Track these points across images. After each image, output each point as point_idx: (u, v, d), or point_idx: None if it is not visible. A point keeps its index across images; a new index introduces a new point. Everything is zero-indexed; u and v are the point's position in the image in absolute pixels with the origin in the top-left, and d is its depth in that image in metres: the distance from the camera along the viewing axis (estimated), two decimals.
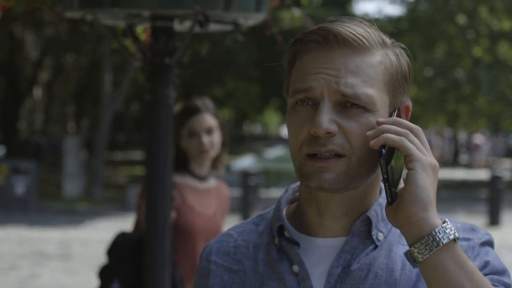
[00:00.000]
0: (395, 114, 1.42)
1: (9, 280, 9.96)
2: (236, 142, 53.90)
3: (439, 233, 1.29)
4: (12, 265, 10.93)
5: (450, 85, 25.89)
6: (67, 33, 24.11)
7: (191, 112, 3.76)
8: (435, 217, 1.30)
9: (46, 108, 35.15)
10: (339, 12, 27.68)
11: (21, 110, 30.42)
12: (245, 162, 32.92)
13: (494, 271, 1.40)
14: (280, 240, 1.47)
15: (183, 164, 3.83)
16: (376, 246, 1.43)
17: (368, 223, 1.43)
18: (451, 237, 1.29)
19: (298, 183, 1.51)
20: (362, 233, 1.43)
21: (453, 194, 23.15)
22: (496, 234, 14.45)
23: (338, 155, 1.37)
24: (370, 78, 1.38)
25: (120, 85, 20.78)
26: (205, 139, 3.72)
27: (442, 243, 1.28)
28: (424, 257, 1.29)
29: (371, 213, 1.44)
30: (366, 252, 1.42)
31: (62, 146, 21.54)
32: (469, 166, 36.68)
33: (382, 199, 1.46)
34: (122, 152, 39.45)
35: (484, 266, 1.40)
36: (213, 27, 3.26)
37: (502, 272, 1.41)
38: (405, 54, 1.47)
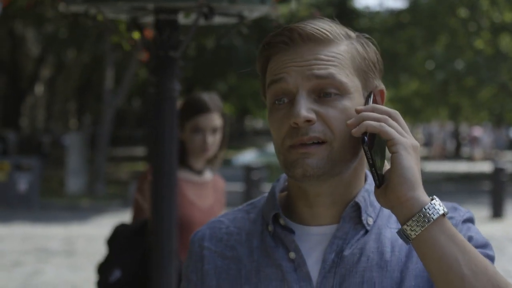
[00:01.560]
0: (371, 99, 1.48)
1: (13, 277, 9.96)
2: (238, 136, 53.95)
3: (429, 210, 1.35)
4: (16, 261, 10.93)
5: (451, 77, 25.87)
6: (68, 29, 24.10)
7: (201, 108, 3.69)
8: (423, 195, 1.36)
9: (48, 104, 35.17)
10: (340, 6, 27.67)
11: (23, 107, 30.45)
12: (248, 156, 32.91)
13: (477, 245, 1.46)
14: (275, 228, 1.52)
15: (181, 157, 3.76)
16: (366, 231, 1.50)
17: (358, 208, 1.50)
18: (441, 212, 1.35)
19: None
20: (353, 218, 1.50)
21: (456, 186, 23.16)
22: (499, 226, 14.47)
23: (319, 142, 1.43)
24: (340, 63, 1.46)
25: (121, 81, 20.77)
26: (210, 138, 3.68)
27: (433, 218, 1.34)
28: (417, 234, 1.35)
29: (360, 199, 1.50)
30: (358, 237, 1.49)
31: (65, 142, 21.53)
32: (471, 159, 36.68)
33: (369, 185, 1.53)
34: (124, 148, 39.47)
35: (468, 240, 1.44)
36: (218, 19, 3.25)
37: (485, 245, 1.48)
38: (371, 45, 1.54)
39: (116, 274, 3.57)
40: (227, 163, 30.27)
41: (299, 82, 1.44)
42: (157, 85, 3.14)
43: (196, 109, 3.68)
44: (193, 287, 1.59)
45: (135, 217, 3.77)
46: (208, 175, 3.87)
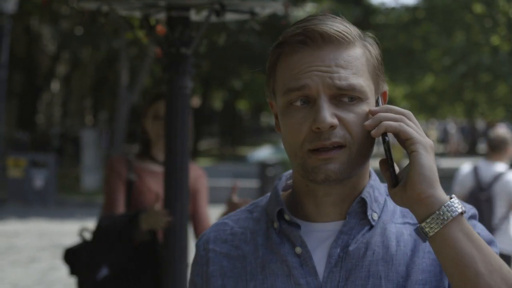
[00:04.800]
0: (380, 102, 1.50)
1: (29, 272, 10.01)
2: (253, 133, 53.89)
3: (448, 208, 1.36)
4: (32, 258, 10.99)
5: (471, 71, 25.72)
6: (83, 26, 24.16)
7: (161, 95, 3.67)
8: (442, 193, 1.38)
9: (64, 101, 35.26)
10: (355, 3, 27.57)
11: (39, 104, 30.55)
12: (263, 153, 32.85)
13: None
14: (280, 224, 1.53)
15: (145, 147, 3.82)
16: (371, 226, 1.51)
17: (364, 204, 1.52)
18: (459, 210, 1.37)
19: (291, 171, 1.61)
20: (359, 214, 1.52)
21: None
22: None
23: (339, 146, 1.45)
24: (358, 70, 1.46)
25: (136, 78, 20.80)
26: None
27: (452, 216, 1.36)
28: (435, 231, 1.36)
29: (365, 195, 1.52)
30: (363, 233, 1.51)
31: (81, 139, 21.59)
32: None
33: (373, 181, 1.56)
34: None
35: None
36: (229, 16, 3.25)
37: (490, 242, 1.50)
38: (375, 43, 1.55)
39: (103, 271, 3.53)
40: (242, 159, 30.30)
41: (321, 88, 1.44)
42: (169, 82, 3.15)
43: (158, 96, 3.69)
44: None
45: (106, 204, 3.77)
46: None
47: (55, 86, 35.66)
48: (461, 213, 1.37)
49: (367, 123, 1.43)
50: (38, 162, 17.25)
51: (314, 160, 1.45)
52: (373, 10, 29.68)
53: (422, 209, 1.37)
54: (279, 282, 1.50)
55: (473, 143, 42.25)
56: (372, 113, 1.44)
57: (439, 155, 35.31)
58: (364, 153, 1.48)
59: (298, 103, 1.46)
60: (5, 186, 17.48)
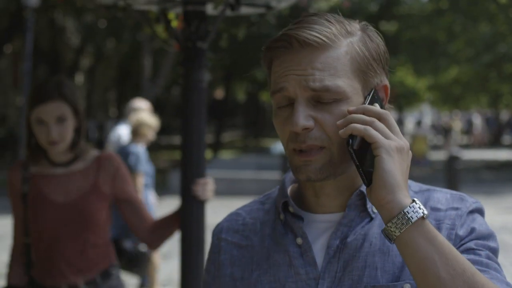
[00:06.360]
0: (370, 96, 1.50)
1: None
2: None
3: (408, 213, 1.37)
4: None
5: (495, 61, 25.52)
6: (106, 20, 24.27)
7: (41, 98, 3.26)
8: (404, 197, 1.39)
9: (88, 94, 35.45)
10: None
11: None
12: None
13: (479, 236, 1.50)
14: (285, 215, 1.59)
15: (39, 150, 3.40)
16: (371, 219, 1.55)
17: (363, 197, 1.55)
18: (420, 215, 1.37)
19: None
20: (358, 207, 1.55)
21: (497, 175, 22.90)
22: None
23: (319, 147, 1.48)
24: (337, 70, 1.48)
25: (159, 70, 20.88)
26: (54, 130, 3.26)
27: (411, 221, 1.37)
28: (396, 235, 1.38)
29: (365, 188, 1.53)
30: (362, 225, 1.54)
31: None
32: None
33: None
34: (164, 136, 39.68)
35: (470, 232, 1.51)
36: (245, 10, 3.26)
37: (488, 236, 1.51)
38: (376, 36, 1.56)
39: None
40: (265, 151, 30.30)
41: (297, 91, 1.47)
42: (185, 76, 3.17)
43: (36, 98, 3.28)
44: (211, 277, 1.68)
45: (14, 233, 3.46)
46: (80, 164, 3.41)
47: (79, 78, 35.86)
48: (423, 218, 1.37)
49: (339, 122, 1.45)
50: None
51: (296, 160, 1.50)
52: (396, 1, 29.52)
53: (384, 213, 1.39)
54: (281, 271, 1.56)
55: (497, 134, 41.96)
56: (348, 112, 1.46)
57: (463, 146, 35.10)
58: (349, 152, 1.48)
59: (283, 104, 1.51)
60: None
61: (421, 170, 23.06)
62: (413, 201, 1.39)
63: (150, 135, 7.19)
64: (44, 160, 3.40)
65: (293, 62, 1.48)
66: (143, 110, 7.68)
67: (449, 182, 14.66)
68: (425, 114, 70.56)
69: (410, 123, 65.23)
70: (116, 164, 3.42)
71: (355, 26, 1.55)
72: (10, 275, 3.44)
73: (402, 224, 1.37)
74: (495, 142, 40.49)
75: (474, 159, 27.94)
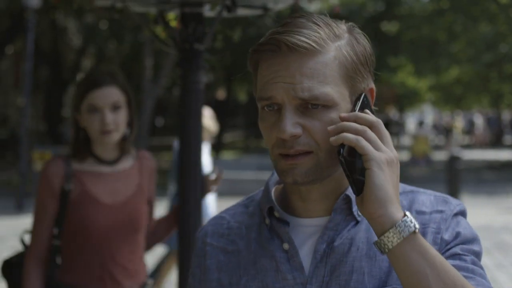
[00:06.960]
0: (360, 102, 1.48)
1: None
2: None
3: (400, 227, 1.36)
4: None
5: (496, 61, 25.51)
6: (107, 21, 24.29)
7: (93, 83, 3.07)
8: (395, 212, 1.38)
9: None
10: None
11: (65, 97, 30.73)
12: None
13: (464, 241, 1.50)
14: (271, 220, 1.58)
15: (84, 146, 3.18)
16: (357, 222, 1.53)
17: (349, 201, 1.54)
18: (411, 229, 1.37)
19: None
20: (344, 210, 1.53)
21: (498, 175, 22.89)
22: None
23: (306, 152, 1.46)
24: (326, 77, 1.46)
25: (161, 71, 20.88)
26: (109, 117, 3.07)
27: (403, 236, 1.36)
28: (388, 249, 1.37)
29: (350, 192, 1.53)
30: (348, 228, 1.53)
31: None
32: None
33: None
34: (165, 137, 39.67)
35: (455, 237, 1.51)
36: (242, 11, 3.27)
37: (472, 240, 1.51)
38: (363, 38, 1.54)
39: None
40: (267, 152, 30.17)
41: (285, 99, 1.46)
42: (182, 77, 3.18)
43: (89, 85, 3.08)
44: (197, 281, 1.67)
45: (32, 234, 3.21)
46: (126, 162, 3.28)
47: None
48: (414, 232, 1.37)
49: (330, 128, 1.44)
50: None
51: (282, 164, 1.49)
52: (397, 1, 29.52)
53: (376, 227, 1.39)
54: (269, 277, 1.55)
55: (499, 134, 41.94)
56: (341, 119, 1.45)
57: (465, 146, 35.08)
58: (336, 156, 1.46)
59: (269, 108, 1.49)
60: (30, 179, 17.62)
61: (421, 170, 23.06)
62: (405, 214, 1.38)
63: (207, 137, 7.38)
64: (90, 157, 3.19)
65: (281, 66, 1.46)
66: (204, 117, 7.75)
67: (450, 182, 14.66)
68: (427, 114, 70.48)
69: (411, 124, 65.19)
70: (153, 163, 3.37)
71: (342, 28, 1.53)
72: (28, 282, 3.12)
73: (394, 238, 1.36)
74: (496, 142, 40.44)
75: (476, 159, 27.94)
